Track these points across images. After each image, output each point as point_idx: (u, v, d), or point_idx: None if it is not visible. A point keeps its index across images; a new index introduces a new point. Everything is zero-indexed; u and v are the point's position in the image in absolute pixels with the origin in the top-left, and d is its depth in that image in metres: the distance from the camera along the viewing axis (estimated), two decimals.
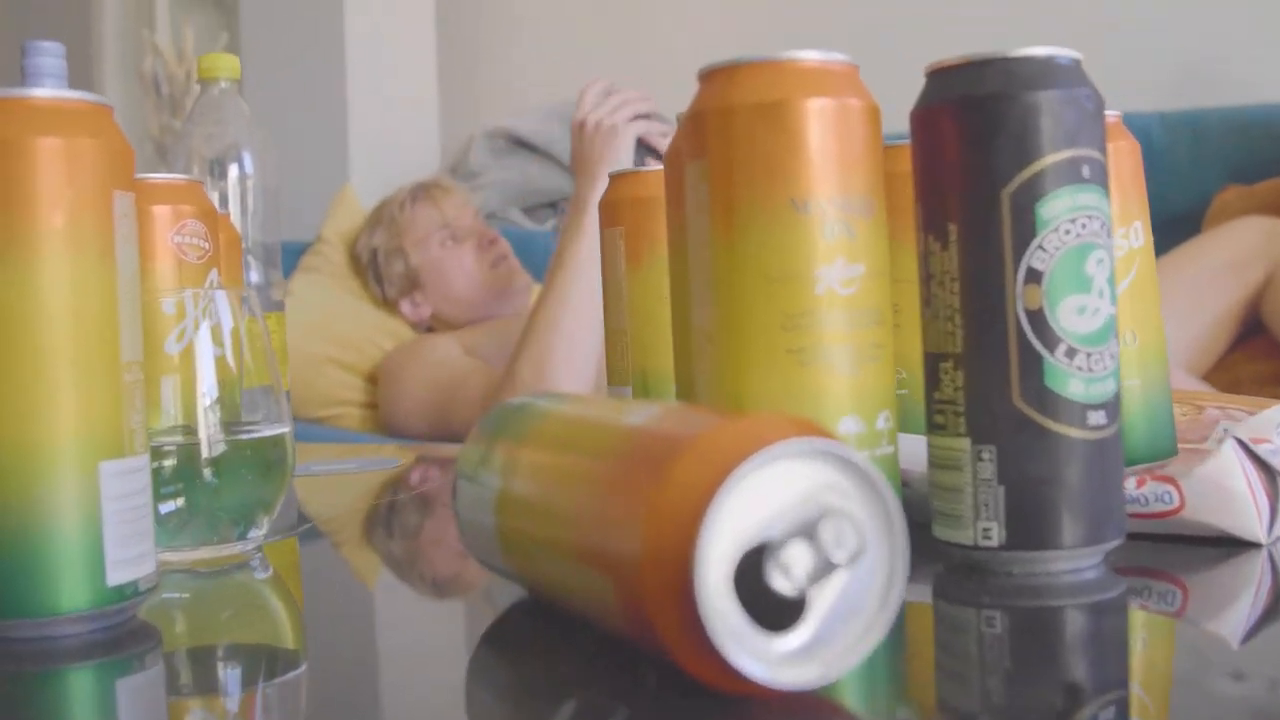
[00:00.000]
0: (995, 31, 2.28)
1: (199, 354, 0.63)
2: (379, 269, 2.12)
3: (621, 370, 0.80)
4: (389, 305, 2.12)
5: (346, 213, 2.31)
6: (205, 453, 0.62)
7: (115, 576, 0.49)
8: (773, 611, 0.36)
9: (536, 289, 2.18)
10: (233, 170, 1.03)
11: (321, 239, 2.25)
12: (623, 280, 0.79)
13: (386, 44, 2.83)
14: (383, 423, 1.87)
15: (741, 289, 0.49)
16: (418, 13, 2.93)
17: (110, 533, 0.49)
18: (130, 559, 0.49)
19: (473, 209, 2.15)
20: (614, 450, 0.39)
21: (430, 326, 2.09)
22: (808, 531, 0.35)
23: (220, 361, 0.63)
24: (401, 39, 2.88)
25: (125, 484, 0.49)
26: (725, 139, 0.50)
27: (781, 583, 0.35)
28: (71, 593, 0.48)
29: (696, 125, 0.51)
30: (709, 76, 0.51)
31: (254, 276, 1.03)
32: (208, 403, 0.63)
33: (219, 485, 0.62)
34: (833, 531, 0.35)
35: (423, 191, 2.12)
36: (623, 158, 1.67)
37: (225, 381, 0.63)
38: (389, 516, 0.82)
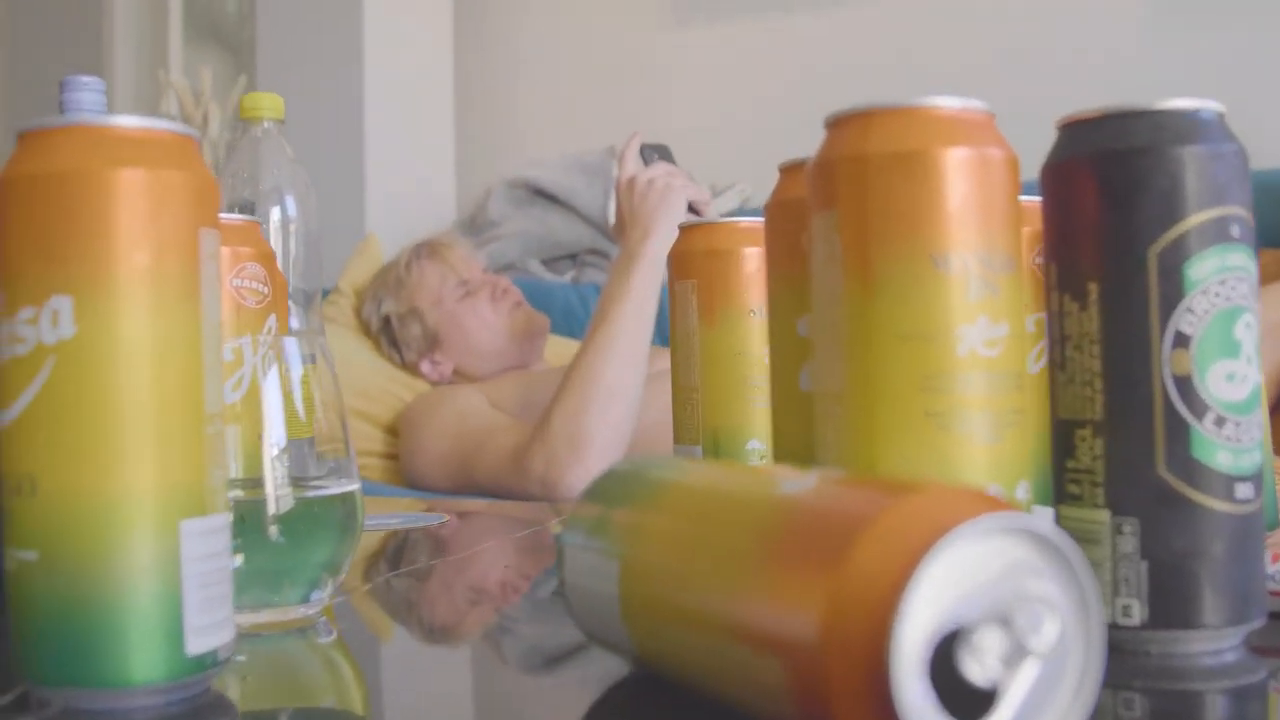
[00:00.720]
0: (1067, 88, 2.27)
1: (267, 403, 0.59)
2: (394, 334, 2.07)
3: (691, 428, 0.77)
4: (409, 368, 2.08)
5: (366, 262, 2.28)
6: (272, 509, 0.58)
7: (195, 645, 0.45)
8: (962, 701, 0.32)
9: (554, 340, 2.16)
10: (274, 214, 1.00)
11: (339, 290, 2.22)
12: (695, 335, 0.76)
13: (404, 93, 2.81)
14: (404, 474, 1.83)
15: (877, 348, 0.46)
16: (436, 63, 2.92)
17: (190, 597, 0.45)
18: (210, 626, 0.46)
19: (479, 262, 2.12)
20: (772, 524, 0.36)
21: (452, 383, 2.06)
22: (1001, 616, 0.32)
23: (289, 412, 0.60)
24: (419, 88, 2.87)
25: (207, 544, 0.46)
26: (859, 190, 0.47)
27: (974, 670, 0.32)
28: (147, 662, 0.44)
29: (825, 174, 0.48)
30: (839, 123, 0.48)
31: (293, 324, 0.99)
32: (274, 454, 0.59)
33: (286, 545, 0.58)
34: (1029, 616, 0.32)
35: (427, 249, 2.09)
36: (676, 215, 1.65)
37: (293, 433, 0.60)
38: (448, 576, 0.78)
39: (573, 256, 2.44)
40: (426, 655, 0.61)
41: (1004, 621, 0.32)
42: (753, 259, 0.75)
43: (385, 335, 2.09)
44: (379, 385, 2.02)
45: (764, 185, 0.65)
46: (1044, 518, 0.50)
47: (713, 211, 1.80)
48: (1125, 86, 2.14)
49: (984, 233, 0.46)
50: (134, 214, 0.45)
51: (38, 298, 0.44)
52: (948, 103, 0.47)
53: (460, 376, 2.03)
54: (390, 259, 2.18)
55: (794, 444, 0.58)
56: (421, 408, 1.87)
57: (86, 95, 0.98)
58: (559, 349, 2.17)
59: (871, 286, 0.46)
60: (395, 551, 0.86)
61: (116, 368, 0.44)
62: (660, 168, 1.68)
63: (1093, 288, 0.49)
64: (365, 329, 2.13)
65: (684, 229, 0.78)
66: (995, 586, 0.33)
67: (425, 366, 2.05)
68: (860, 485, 0.36)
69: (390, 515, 1.01)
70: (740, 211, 2.35)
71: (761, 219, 0.76)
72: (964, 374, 0.45)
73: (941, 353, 0.45)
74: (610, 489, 0.46)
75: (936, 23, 2.50)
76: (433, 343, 2.04)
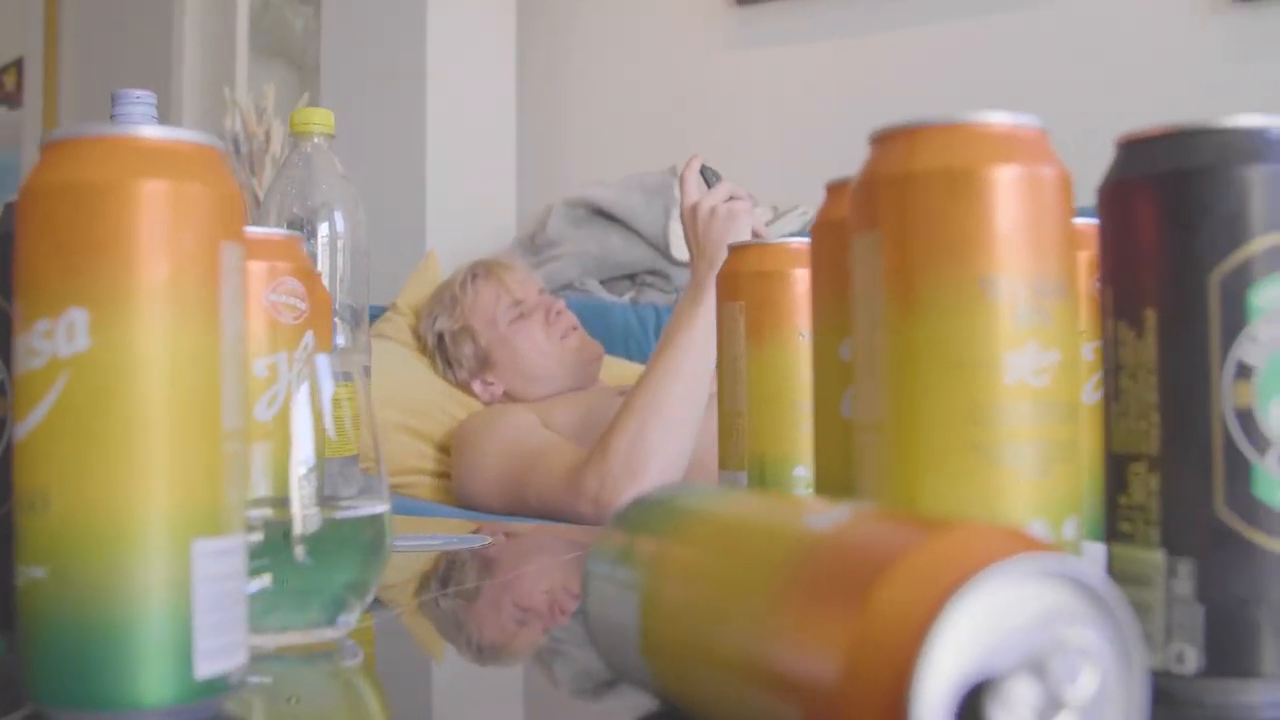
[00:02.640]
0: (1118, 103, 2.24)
1: (295, 421, 0.58)
2: (447, 352, 2.07)
3: (736, 455, 0.75)
4: (462, 387, 2.08)
5: (425, 280, 2.28)
6: (299, 529, 0.57)
7: (204, 668, 0.44)
8: None
9: (610, 361, 2.14)
10: (323, 229, 1.00)
11: (396, 308, 2.22)
12: (741, 358, 0.75)
13: (466, 111, 2.82)
14: (456, 494, 1.82)
15: (921, 376, 0.44)
16: (498, 82, 2.93)
17: (201, 619, 0.44)
18: (221, 649, 0.45)
19: (536, 284, 2.12)
20: (796, 559, 0.34)
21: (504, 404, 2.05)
22: (1035, 665, 0.30)
23: (318, 431, 0.59)
24: (481, 107, 2.87)
25: (219, 565, 0.45)
26: (903, 210, 0.45)
27: None
28: (156, 685, 0.43)
29: (868, 193, 0.46)
30: (883, 140, 0.46)
31: (339, 341, 0.99)
32: (302, 473, 0.58)
33: (312, 566, 0.57)
34: (1065, 665, 0.30)
35: (483, 269, 2.08)
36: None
37: (321, 453, 0.59)
38: (485, 601, 0.77)
39: (631, 277, 2.42)
40: (457, 679, 0.59)
41: (1038, 671, 0.30)
42: (803, 280, 0.73)
43: (439, 353, 2.09)
44: (434, 403, 2.01)
45: None
46: (1085, 559, 0.47)
47: (771, 235, 1.78)
48: (1188, 103, 2.10)
49: (1034, 255, 0.44)
50: (153, 226, 0.44)
51: (54, 310, 0.43)
52: (997, 118, 0.45)
53: (511, 398, 2.02)
54: (448, 277, 2.18)
55: (835, 473, 0.56)
56: (474, 426, 1.86)
57: (137, 109, 0.99)
58: (616, 370, 2.15)
59: (915, 311, 0.44)
60: (434, 573, 0.85)
61: (132, 382, 0.43)
62: (722, 192, 1.66)
63: (1150, 314, 0.46)
64: (421, 346, 2.13)
65: (733, 249, 0.77)
66: (1029, 633, 0.31)
67: (477, 386, 2.05)
68: (891, 521, 0.35)
69: (431, 536, 1.00)
70: (802, 234, 2.33)
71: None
72: (1011, 404, 0.43)
73: (988, 381, 0.43)
74: (637, 517, 0.44)
75: (998, 42, 2.47)
76: (484, 363, 2.03)
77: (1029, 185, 0.44)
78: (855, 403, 0.47)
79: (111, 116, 0.99)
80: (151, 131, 0.45)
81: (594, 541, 0.46)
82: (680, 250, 2.36)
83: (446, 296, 2.09)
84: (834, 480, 0.56)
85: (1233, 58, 2.27)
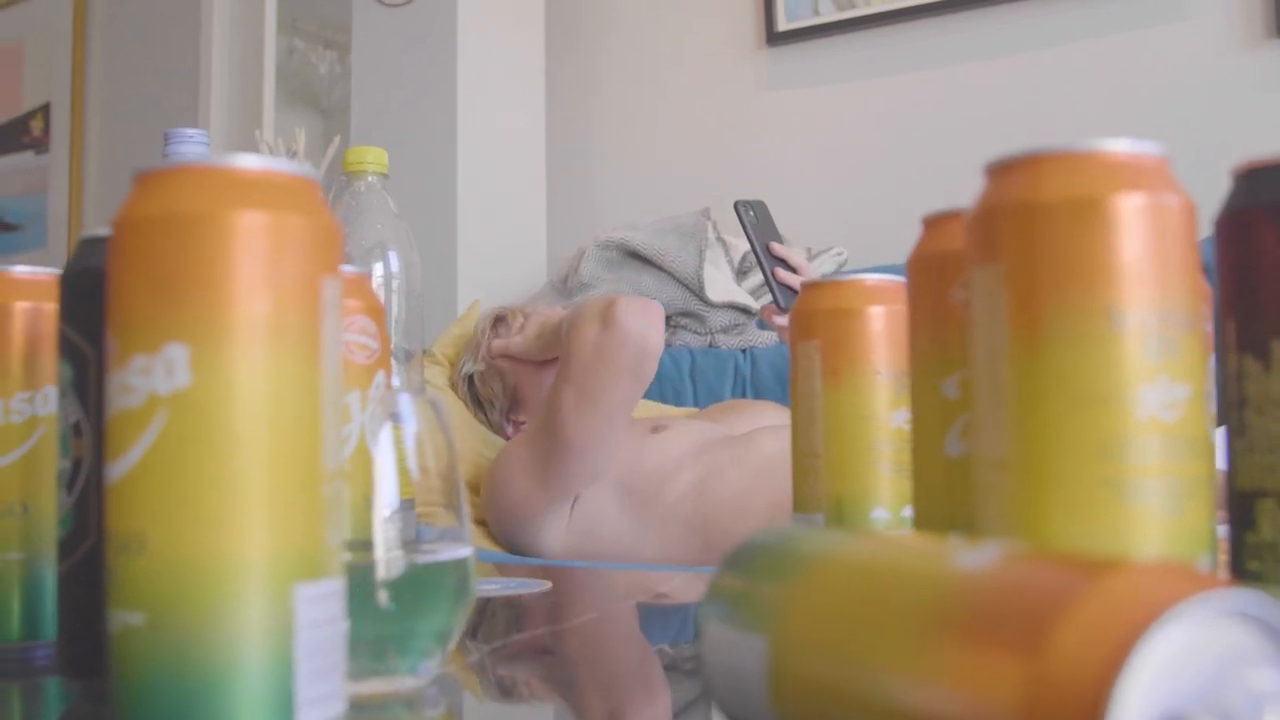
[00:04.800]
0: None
1: (379, 462, 0.57)
2: (478, 393, 2.08)
3: (812, 496, 0.74)
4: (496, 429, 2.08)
5: (464, 329, 2.27)
6: (382, 574, 0.56)
7: (306, 717, 0.43)
8: None
9: (641, 403, 2.13)
10: (378, 269, 0.99)
11: (430, 352, 2.22)
12: (818, 398, 0.73)
13: (497, 154, 2.82)
14: (490, 517, 1.81)
15: (1050, 411, 0.42)
16: (529, 124, 2.93)
17: (304, 666, 0.43)
18: (322, 697, 0.43)
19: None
20: (954, 601, 0.32)
21: None
22: (1220, 708, 0.29)
23: (402, 472, 0.58)
24: (512, 149, 2.87)
25: (321, 610, 0.43)
26: (1028, 240, 0.44)
27: None
28: None
29: (988, 225, 0.45)
30: (1003, 170, 0.45)
31: (394, 382, 0.98)
32: (385, 516, 0.57)
33: (395, 612, 0.56)
34: (1251, 708, 0.29)
35: (507, 315, 2.10)
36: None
37: (405, 495, 0.58)
38: (559, 646, 0.75)
39: (666, 319, 2.41)
40: None
41: (1223, 714, 0.29)
42: (879, 318, 0.72)
43: (471, 396, 2.09)
44: (471, 448, 2.01)
45: (862, 247, 0.63)
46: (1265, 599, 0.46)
47: (810, 268, 1.78)
48: (1232, 135, 2.10)
49: (1162, 286, 0.43)
50: (254, 259, 0.43)
51: (152, 346, 0.42)
52: (1120, 146, 0.44)
53: None
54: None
55: (938, 514, 0.54)
56: (505, 448, 1.87)
57: (192, 148, 0.98)
58: (647, 412, 2.14)
59: (1041, 344, 0.43)
60: (501, 619, 0.84)
61: (233, 421, 0.42)
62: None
63: (1277, 346, 0.45)
64: (456, 392, 2.13)
65: (807, 287, 0.76)
66: (1213, 676, 0.29)
67: (510, 429, 2.05)
68: (1052, 561, 0.33)
69: (489, 580, 0.98)
70: (839, 275, 2.31)
71: (887, 276, 0.73)
72: (1143, 439, 0.42)
73: (1119, 416, 0.42)
74: (754, 559, 0.43)
75: (1037, 79, 2.46)
76: (513, 400, 2.04)
77: (1155, 214, 0.43)
78: (975, 440, 0.46)
79: (164, 155, 0.98)
80: (249, 161, 0.44)
81: (707, 586, 0.44)
82: (715, 292, 2.35)
83: (473, 341, 2.11)
84: (937, 520, 0.54)
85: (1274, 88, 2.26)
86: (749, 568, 0.43)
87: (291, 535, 0.43)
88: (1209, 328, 0.47)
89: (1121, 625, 0.28)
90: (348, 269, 0.72)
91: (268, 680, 0.42)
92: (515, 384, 2.03)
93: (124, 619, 0.43)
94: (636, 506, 1.75)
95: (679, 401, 2.31)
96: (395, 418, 0.58)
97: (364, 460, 0.58)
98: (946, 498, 0.53)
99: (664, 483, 1.75)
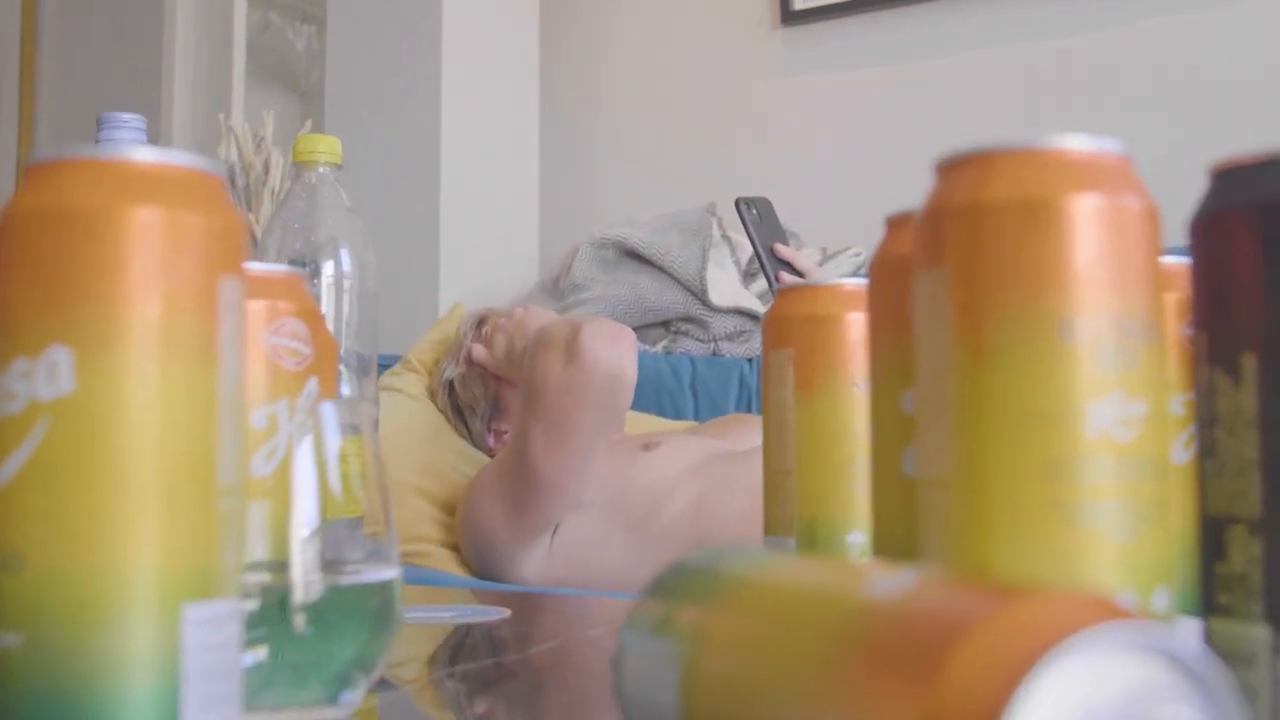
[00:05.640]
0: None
1: (298, 477, 0.58)
2: (458, 399, 2.09)
3: (783, 518, 0.75)
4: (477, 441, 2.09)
5: (444, 335, 2.28)
6: (299, 597, 0.57)
7: None
8: None
9: (638, 417, 2.14)
10: (328, 268, 1.00)
11: (406, 360, 2.23)
12: (789, 411, 0.74)
13: (485, 143, 2.84)
14: (465, 548, 1.82)
15: (993, 427, 0.43)
16: (520, 110, 2.95)
17: (191, 693, 0.44)
18: None
19: None
20: (856, 628, 0.34)
21: None
22: None
23: (323, 488, 0.59)
24: (501, 138, 2.89)
25: (212, 633, 0.45)
26: (973, 243, 0.45)
27: None
28: None
29: (934, 225, 0.46)
30: (951, 167, 0.46)
31: (344, 391, 0.99)
32: (304, 535, 0.58)
33: (313, 637, 0.57)
34: None
35: (489, 317, 2.10)
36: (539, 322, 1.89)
37: (325, 513, 0.59)
38: (503, 679, 0.76)
39: (665, 324, 2.42)
40: None
41: None
42: (858, 325, 0.73)
43: (451, 404, 2.10)
44: (448, 463, 2.02)
45: None
46: (1184, 632, 0.47)
47: (818, 272, 1.79)
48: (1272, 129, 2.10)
49: (1118, 294, 0.44)
50: (145, 257, 0.44)
51: (34, 349, 0.44)
52: (1077, 143, 0.45)
53: None
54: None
55: (896, 537, 0.55)
56: (477, 475, 1.88)
57: (125, 134, 1.00)
58: (644, 427, 2.15)
59: (986, 355, 0.44)
60: (446, 648, 0.85)
61: (120, 430, 0.43)
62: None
63: (1249, 360, 0.46)
64: (435, 403, 2.14)
65: (781, 292, 0.77)
66: (1119, 712, 0.30)
67: (491, 440, 2.06)
68: (962, 587, 0.34)
69: (444, 608, 0.99)
70: (857, 276, 2.33)
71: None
72: (1093, 458, 0.43)
73: (1067, 434, 0.43)
74: (677, 582, 0.44)
75: (1066, 66, 2.47)
76: (494, 406, 2.04)
77: (1112, 216, 0.44)
78: (919, 457, 0.47)
79: (96, 141, 1.00)
80: (145, 154, 0.45)
81: (628, 612, 0.46)
82: (719, 295, 2.36)
83: (453, 346, 2.12)
84: (894, 545, 0.55)
85: None
86: (670, 591, 0.44)
87: (181, 553, 0.44)
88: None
89: (1015, 655, 0.29)
90: (280, 267, 0.73)
91: (151, 707, 0.43)
92: (498, 390, 2.04)
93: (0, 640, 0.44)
94: (630, 528, 1.76)
95: (679, 415, 2.32)
96: (318, 430, 0.60)
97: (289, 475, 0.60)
98: (904, 520, 0.54)
99: (659, 502, 1.76)
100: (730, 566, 0.43)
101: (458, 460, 2.04)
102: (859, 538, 0.72)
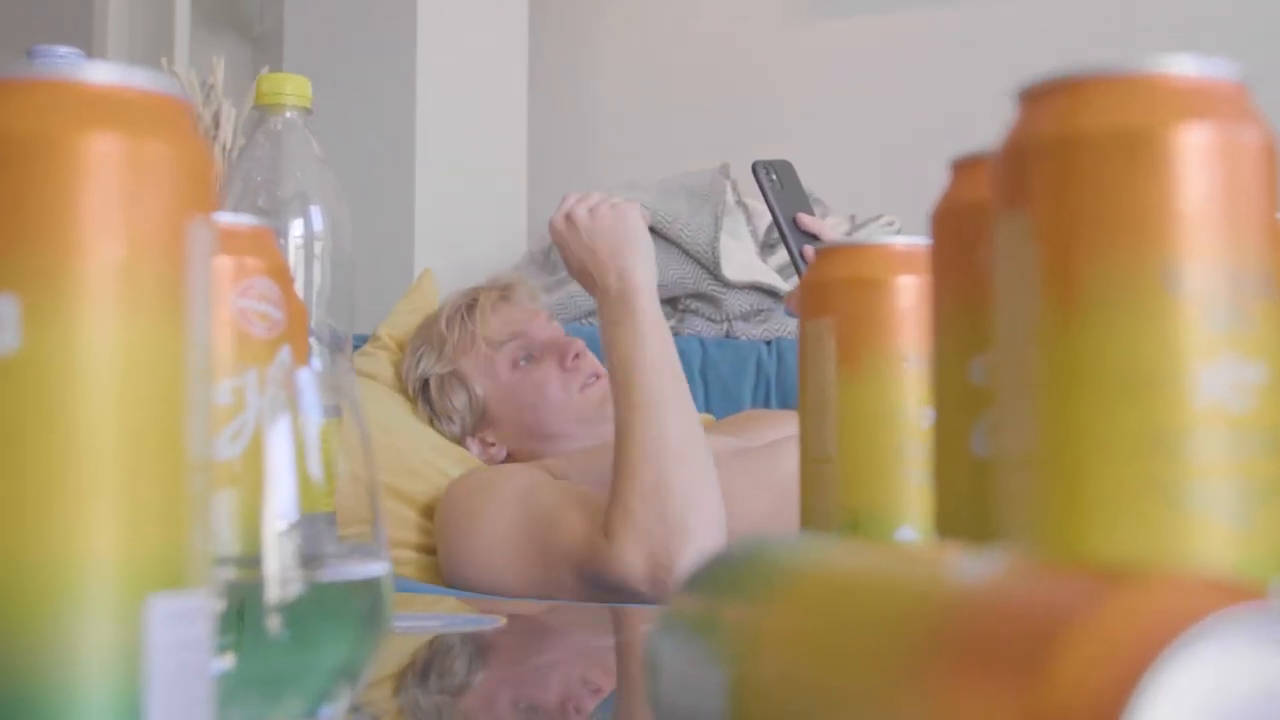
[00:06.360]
0: None
1: (272, 459, 0.58)
2: (434, 403, 2.06)
3: (822, 511, 0.74)
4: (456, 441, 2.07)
5: (416, 307, 2.27)
6: (275, 596, 0.56)
7: None
8: None
9: None
10: (296, 226, 0.99)
11: (376, 336, 2.22)
12: (830, 389, 0.74)
13: (467, 95, 2.83)
14: (449, 578, 1.80)
15: (1086, 396, 0.43)
16: (506, 58, 2.94)
17: (157, 697, 0.43)
18: None
19: (546, 313, 2.10)
20: (944, 621, 0.33)
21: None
22: None
23: (301, 472, 0.58)
24: (485, 90, 2.88)
25: (182, 629, 0.44)
26: (1063, 183, 0.44)
27: None
28: None
29: (1014, 164, 0.45)
30: (1036, 96, 0.46)
31: (316, 366, 0.98)
32: (281, 528, 0.57)
33: (290, 642, 0.56)
34: None
35: (481, 296, 2.07)
36: (641, 233, 1.75)
37: (306, 501, 0.58)
38: (494, 693, 0.76)
39: (672, 301, 2.42)
40: None
41: None
42: (909, 291, 0.72)
43: (424, 401, 2.07)
44: (422, 458, 2.00)
45: (919, 215, 0.63)
46: None
47: (832, 231, 1.79)
48: None
49: (1232, 241, 0.43)
50: (103, 193, 0.43)
51: None
52: (1184, 66, 0.44)
53: (516, 461, 2.00)
54: (438, 306, 2.17)
55: (962, 524, 0.55)
56: (468, 489, 1.84)
57: None
58: None
59: (1078, 313, 0.43)
60: (433, 659, 0.85)
61: (73, 391, 0.42)
62: (594, 197, 1.76)
63: None
64: (404, 388, 2.12)
65: (820, 252, 0.76)
66: (1251, 710, 0.30)
67: (474, 446, 2.04)
68: (1064, 571, 0.34)
69: (431, 615, 0.99)
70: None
71: (920, 240, 0.74)
72: (1203, 431, 0.43)
73: (1173, 403, 0.43)
74: (720, 577, 0.43)
75: (1131, 9, 2.47)
76: (482, 417, 2.02)
77: (1225, 151, 0.44)
78: (998, 434, 0.46)
79: None
80: (101, 73, 0.44)
81: (659, 612, 0.45)
82: (733, 269, 2.36)
83: (434, 332, 2.07)
84: (961, 534, 0.55)
85: None
86: (710, 587, 0.43)
87: (144, 536, 0.43)
88: None
89: (1135, 648, 0.29)
90: (247, 219, 0.72)
91: (111, 713, 0.42)
92: (485, 397, 2.02)
93: None
94: None
95: None
96: (296, 405, 0.59)
97: (260, 458, 0.59)
98: (972, 505, 0.53)
99: None
100: (781, 556, 0.42)
101: (433, 455, 2.03)
102: (910, 533, 0.71)
